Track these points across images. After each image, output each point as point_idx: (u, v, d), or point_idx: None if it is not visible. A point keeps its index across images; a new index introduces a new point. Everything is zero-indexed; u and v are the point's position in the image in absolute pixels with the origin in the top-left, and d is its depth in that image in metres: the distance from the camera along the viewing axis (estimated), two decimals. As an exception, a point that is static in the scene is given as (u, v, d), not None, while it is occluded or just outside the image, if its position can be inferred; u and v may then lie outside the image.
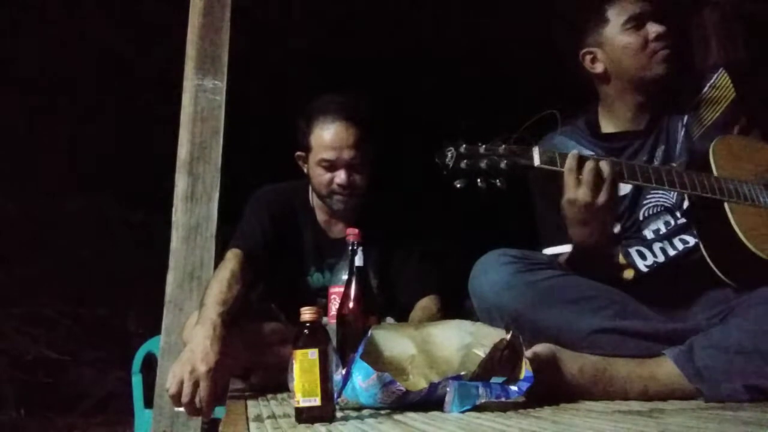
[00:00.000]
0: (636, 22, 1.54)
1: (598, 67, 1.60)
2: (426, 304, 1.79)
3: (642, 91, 1.58)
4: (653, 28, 1.53)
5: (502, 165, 1.30)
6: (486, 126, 1.36)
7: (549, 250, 1.57)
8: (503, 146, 1.32)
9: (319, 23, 3.37)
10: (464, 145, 1.31)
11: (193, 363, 1.34)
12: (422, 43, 3.46)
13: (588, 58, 1.61)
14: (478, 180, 1.30)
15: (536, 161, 1.33)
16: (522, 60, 3.31)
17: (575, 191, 1.31)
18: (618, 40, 1.56)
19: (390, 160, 2.12)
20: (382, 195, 1.89)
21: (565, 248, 1.50)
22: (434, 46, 3.48)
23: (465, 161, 1.30)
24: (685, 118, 1.57)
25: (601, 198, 1.30)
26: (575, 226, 1.37)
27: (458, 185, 1.31)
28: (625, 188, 1.54)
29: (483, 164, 1.30)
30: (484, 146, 1.32)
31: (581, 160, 1.32)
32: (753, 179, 1.43)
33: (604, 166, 1.31)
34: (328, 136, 1.77)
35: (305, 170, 1.88)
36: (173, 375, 1.34)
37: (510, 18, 3.13)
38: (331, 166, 1.78)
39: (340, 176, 1.77)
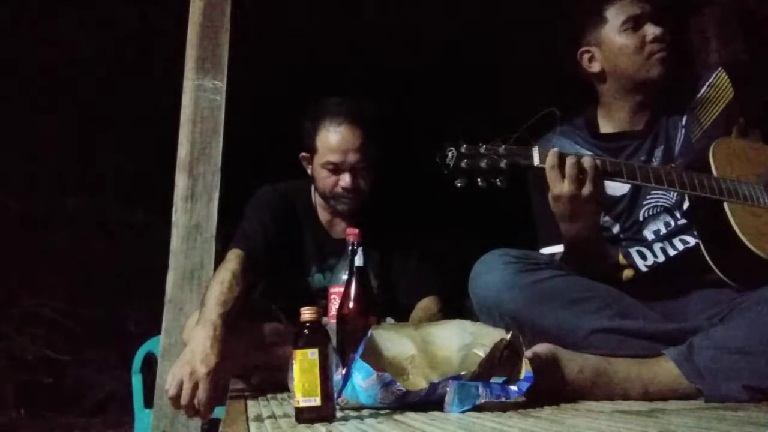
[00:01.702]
0: (634, 23, 1.54)
1: (595, 67, 1.60)
2: (427, 304, 1.79)
3: (639, 92, 1.58)
4: (651, 30, 1.53)
5: (502, 165, 1.31)
6: (486, 126, 1.36)
7: (545, 250, 1.58)
8: (503, 146, 1.33)
9: (320, 23, 3.37)
10: (465, 145, 1.32)
11: (192, 365, 1.33)
12: (422, 44, 3.46)
13: (586, 57, 1.61)
14: (479, 179, 1.31)
15: (536, 161, 1.34)
16: (522, 60, 3.31)
17: (560, 186, 1.33)
18: (615, 40, 1.55)
19: (391, 161, 2.12)
20: (383, 195, 1.89)
21: (561, 248, 1.51)
22: (434, 46, 3.48)
23: (465, 161, 1.31)
24: (684, 118, 1.57)
25: (586, 190, 1.32)
26: (564, 221, 1.39)
27: (459, 184, 1.32)
28: (623, 188, 1.55)
29: (483, 164, 1.30)
30: (484, 146, 1.32)
31: (562, 157, 1.33)
32: (753, 180, 1.43)
33: (586, 159, 1.33)
34: (334, 138, 1.77)
35: (309, 171, 1.88)
36: (173, 377, 1.33)
37: (511, 18, 3.13)
38: (336, 169, 1.78)
39: (345, 179, 1.78)
